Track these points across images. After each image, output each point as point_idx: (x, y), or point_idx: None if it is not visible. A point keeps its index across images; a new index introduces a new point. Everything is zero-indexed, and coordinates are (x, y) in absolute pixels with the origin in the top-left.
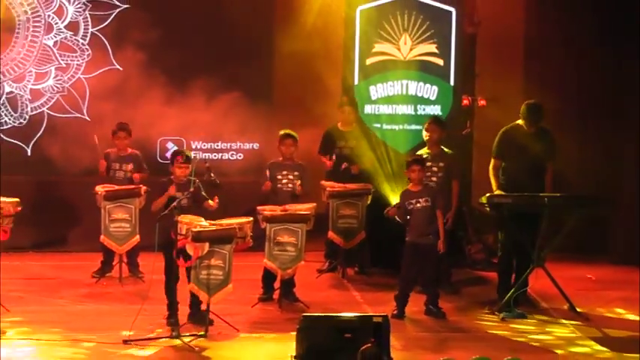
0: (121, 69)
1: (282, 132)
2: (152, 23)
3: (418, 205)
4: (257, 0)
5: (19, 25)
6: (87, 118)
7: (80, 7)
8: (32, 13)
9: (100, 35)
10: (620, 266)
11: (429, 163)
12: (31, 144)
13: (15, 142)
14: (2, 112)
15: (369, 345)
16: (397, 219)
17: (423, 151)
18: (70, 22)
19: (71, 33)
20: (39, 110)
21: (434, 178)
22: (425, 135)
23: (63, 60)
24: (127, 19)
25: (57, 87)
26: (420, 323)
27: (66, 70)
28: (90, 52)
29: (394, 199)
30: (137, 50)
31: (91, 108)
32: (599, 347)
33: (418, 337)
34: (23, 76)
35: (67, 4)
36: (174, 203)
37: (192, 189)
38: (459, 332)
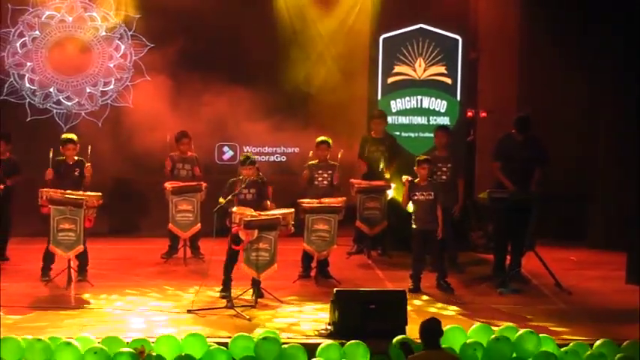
0: (149, 79)
1: (318, 139)
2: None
3: (422, 197)
4: (296, 27)
5: (94, 55)
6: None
7: (128, 44)
8: (102, 49)
9: (140, 62)
10: (598, 250)
11: (439, 164)
12: (100, 121)
13: (93, 119)
14: (85, 102)
15: (431, 318)
16: (408, 208)
17: (435, 153)
18: (122, 53)
19: (122, 60)
20: (105, 102)
21: (443, 177)
22: (435, 140)
23: (119, 74)
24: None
25: (115, 89)
26: (432, 296)
27: (120, 81)
28: (133, 70)
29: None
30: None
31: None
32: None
33: (431, 307)
34: (96, 82)
35: (120, 43)
36: (230, 197)
37: (243, 186)
38: (464, 304)
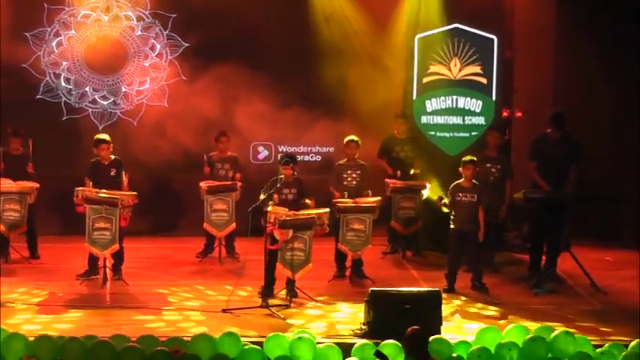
0: (184, 78)
1: (347, 138)
2: (235, 39)
3: (465, 199)
4: (333, 28)
5: (130, 54)
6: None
7: (164, 43)
8: (138, 49)
9: (176, 62)
10: (634, 250)
11: (488, 164)
12: (136, 120)
13: (128, 119)
14: (121, 101)
15: (416, 328)
16: (443, 208)
17: (486, 153)
18: (158, 52)
19: (158, 59)
20: (140, 101)
21: (491, 177)
22: (487, 140)
23: (154, 74)
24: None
25: (151, 89)
26: (467, 296)
27: (156, 80)
28: (168, 69)
29: (441, 193)
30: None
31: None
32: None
33: (465, 307)
34: (132, 81)
35: (156, 42)
36: (264, 197)
37: (278, 185)
38: (499, 304)
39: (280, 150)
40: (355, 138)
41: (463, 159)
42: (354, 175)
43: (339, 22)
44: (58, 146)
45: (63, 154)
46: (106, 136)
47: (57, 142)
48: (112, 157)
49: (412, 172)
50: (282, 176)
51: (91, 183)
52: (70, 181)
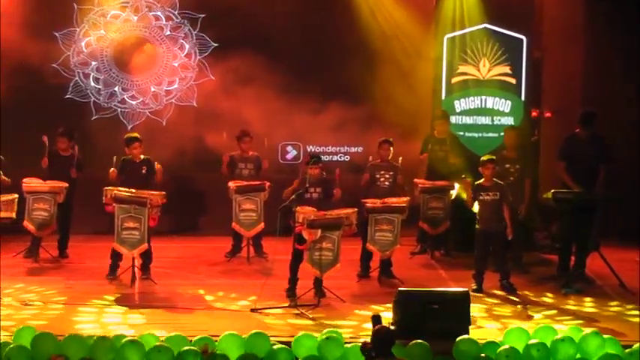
0: (213, 78)
1: (381, 139)
2: (262, 38)
3: (487, 197)
4: (362, 28)
5: (159, 54)
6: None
7: (192, 43)
8: (167, 49)
9: (204, 62)
10: None
11: (507, 164)
12: (165, 120)
13: (157, 118)
14: (150, 100)
15: (383, 326)
16: (474, 208)
17: (504, 153)
18: (186, 52)
19: (186, 59)
20: (169, 101)
21: (511, 178)
22: (505, 140)
23: (183, 74)
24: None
25: (180, 88)
26: (495, 297)
27: (184, 80)
28: (197, 69)
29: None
30: (252, 67)
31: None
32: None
33: (494, 308)
34: (161, 81)
35: (185, 42)
36: (293, 196)
37: (307, 185)
38: (528, 304)
39: (309, 150)
40: (389, 139)
41: (482, 158)
42: (387, 176)
43: (368, 22)
44: (87, 146)
45: (91, 154)
46: (138, 135)
47: (86, 141)
48: (142, 156)
49: (463, 176)
50: (307, 176)
51: (117, 175)
52: (98, 181)
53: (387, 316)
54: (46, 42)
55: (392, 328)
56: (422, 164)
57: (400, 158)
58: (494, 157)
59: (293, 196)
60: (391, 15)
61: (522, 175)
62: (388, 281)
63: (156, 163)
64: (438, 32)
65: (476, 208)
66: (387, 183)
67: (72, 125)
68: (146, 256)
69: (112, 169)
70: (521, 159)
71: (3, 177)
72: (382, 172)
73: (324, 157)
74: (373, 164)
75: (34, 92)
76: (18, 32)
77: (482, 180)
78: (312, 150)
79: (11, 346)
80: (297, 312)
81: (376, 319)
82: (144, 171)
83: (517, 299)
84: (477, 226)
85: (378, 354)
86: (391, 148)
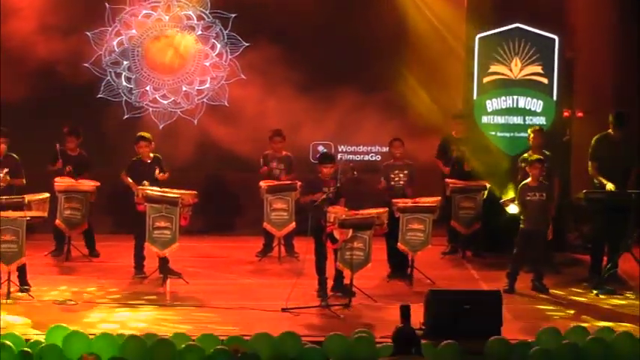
0: (244, 77)
1: (392, 137)
2: (294, 37)
3: (535, 198)
4: (393, 27)
5: (190, 53)
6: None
7: (224, 42)
8: (199, 49)
9: (236, 61)
10: None
11: None
12: (196, 119)
13: (188, 118)
14: (181, 100)
15: (405, 325)
16: (507, 209)
17: (526, 155)
18: (218, 52)
19: (218, 58)
20: (200, 101)
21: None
22: (530, 141)
23: (214, 73)
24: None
25: (211, 88)
26: (527, 297)
27: (216, 79)
28: (228, 69)
29: (503, 193)
30: (284, 66)
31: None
32: None
33: (525, 308)
34: (192, 81)
35: (216, 42)
36: (324, 196)
37: (334, 187)
38: (560, 304)
39: (340, 150)
40: (399, 138)
41: (530, 158)
42: (401, 175)
43: (399, 21)
44: (119, 145)
45: (123, 153)
46: (146, 134)
47: (117, 140)
48: (152, 155)
49: (464, 168)
50: (321, 175)
51: (130, 180)
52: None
53: (418, 317)
54: (77, 41)
55: (415, 328)
56: (438, 166)
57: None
58: (542, 158)
59: (324, 196)
60: (425, 14)
61: (551, 175)
62: (419, 281)
63: (162, 173)
64: (470, 32)
65: (511, 209)
66: (401, 182)
67: (77, 123)
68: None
69: (123, 173)
70: (549, 159)
71: (19, 179)
72: (396, 172)
73: (355, 157)
74: (387, 165)
75: (65, 91)
76: (49, 32)
77: (529, 180)
78: (343, 149)
79: (43, 344)
80: (328, 312)
81: (405, 309)
82: (157, 171)
83: (549, 300)
84: (521, 226)
85: (398, 352)
86: (402, 147)
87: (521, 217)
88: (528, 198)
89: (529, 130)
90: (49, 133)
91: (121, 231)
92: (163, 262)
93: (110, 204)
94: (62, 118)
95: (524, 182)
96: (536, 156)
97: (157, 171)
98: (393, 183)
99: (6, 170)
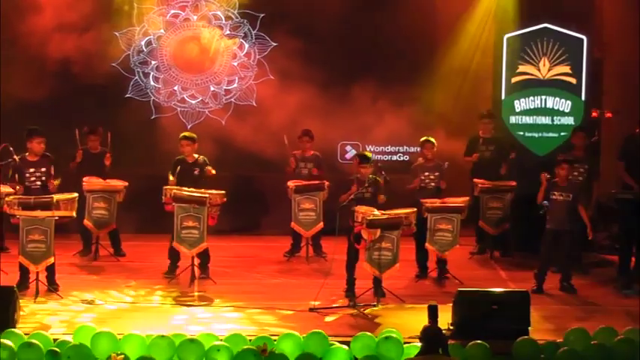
0: (272, 77)
1: (422, 138)
2: (322, 38)
3: (560, 197)
4: (420, 27)
5: (218, 53)
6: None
7: (252, 42)
8: (226, 48)
9: (264, 61)
10: None
11: (575, 165)
12: (224, 119)
13: (216, 118)
14: (209, 100)
15: (431, 325)
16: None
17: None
18: (246, 52)
19: (246, 58)
20: (228, 101)
21: (580, 178)
22: (573, 141)
23: (242, 73)
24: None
25: (239, 88)
26: (555, 297)
27: (244, 79)
28: (256, 69)
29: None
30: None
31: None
32: None
33: (554, 308)
34: (220, 81)
35: (244, 42)
36: (352, 196)
37: (364, 187)
38: (588, 305)
39: (368, 149)
40: (431, 138)
41: (557, 158)
42: (432, 177)
43: (427, 22)
44: (147, 145)
45: (151, 153)
46: (189, 134)
47: (145, 140)
48: (196, 155)
49: (503, 173)
50: (359, 175)
51: (174, 180)
52: (158, 180)
53: (446, 314)
54: (106, 41)
55: (443, 328)
56: (467, 165)
57: (446, 163)
58: (569, 158)
59: (352, 196)
60: (452, 14)
61: (590, 176)
62: (447, 281)
63: (210, 168)
64: (498, 32)
65: (546, 203)
66: (432, 184)
67: (97, 122)
68: (204, 256)
69: (170, 177)
70: (589, 160)
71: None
72: (427, 174)
73: (382, 157)
74: (418, 165)
75: (92, 91)
76: (78, 32)
77: (557, 179)
78: (371, 149)
79: (71, 344)
80: (355, 312)
81: (432, 309)
82: (196, 172)
83: (578, 300)
84: (547, 226)
85: (427, 351)
86: (433, 148)
87: (546, 216)
88: (554, 197)
89: (571, 131)
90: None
91: (146, 230)
92: (203, 260)
93: (134, 203)
94: (88, 118)
95: (552, 181)
96: (563, 156)
97: (197, 171)
98: (423, 185)
99: (57, 181)
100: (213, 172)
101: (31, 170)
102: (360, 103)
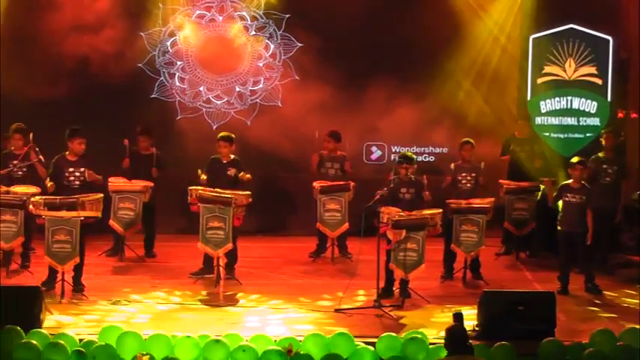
0: (297, 78)
1: (463, 140)
2: (348, 39)
3: (573, 199)
4: (440, 26)
5: (244, 54)
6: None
7: (277, 43)
8: (252, 48)
9: (289, 62)
10: None
11: (604, 166)
12: (250, 120)
13: (242, 118)
14: (235, 100)
15: (456, 324)
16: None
17: (601, 154)
18: (271, 52)
19: (271, 59)
20: (254, 101)
21: (607, 179)
22: (603, 141)
23: (268, 74)
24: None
25: (265, 88)
26: (581, 298)
27: (269, 80)
28: (282, 69)
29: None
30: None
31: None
32: None
33: (579, 310)
34: (246, 81)
35: (270, 42)
36: (377, 197)
37: (388, 188)
38: (613, 306)
39: (393, 150)
40: (470, 140)
41: (571, 160)
42: (469, 178)
43: (453, 23)
44: (172, 145)
45: (176, 154)
46: (227, 134)
47: (171, 141)
48: (232, 156)
49: (535, 165)
50: (399, 176)
51: (205, 177)
52: (182, 181)
53: (471, 314)
54: (131, 42)
55: (469, 329)
56: (503, 165)
57: (482, 163)
58: (583, 159)
59: (377, 197)
60: (477, 16)
61: (619, 177)
62: (473, 282)
63: (244, 173)
64: (524, 33)
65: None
66: (468, 185)
67: (150, 123)
68: (231, 256)
69: (202, 175)
70: (618, 160)
71: (95, 175)
72: (464, 174)
73: None
74: (456, 165)
75: (118, 92)
76: (103, 32)
77: (571, 181)
78: (397, 150)
79: (97, 344)
80: (381, 312)
81: (458, 316)
82: (230, 172)
83: (603, 301)
84: (558, 228)
85: (452, 351)
86: (473, 149)
87: (559, 218)
88: (567, 199)
89: (602, 132)
90: (102, 134)
91: (182, 231)
92: (230, 260)
93: (162, 204)
94: (115, 119)
95: (564, 183)
96: (577, 158)
97: (231, 171)
98: (460, 185)
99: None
100: (248, 176)
101: (70, 170)
102: (386, 104)
